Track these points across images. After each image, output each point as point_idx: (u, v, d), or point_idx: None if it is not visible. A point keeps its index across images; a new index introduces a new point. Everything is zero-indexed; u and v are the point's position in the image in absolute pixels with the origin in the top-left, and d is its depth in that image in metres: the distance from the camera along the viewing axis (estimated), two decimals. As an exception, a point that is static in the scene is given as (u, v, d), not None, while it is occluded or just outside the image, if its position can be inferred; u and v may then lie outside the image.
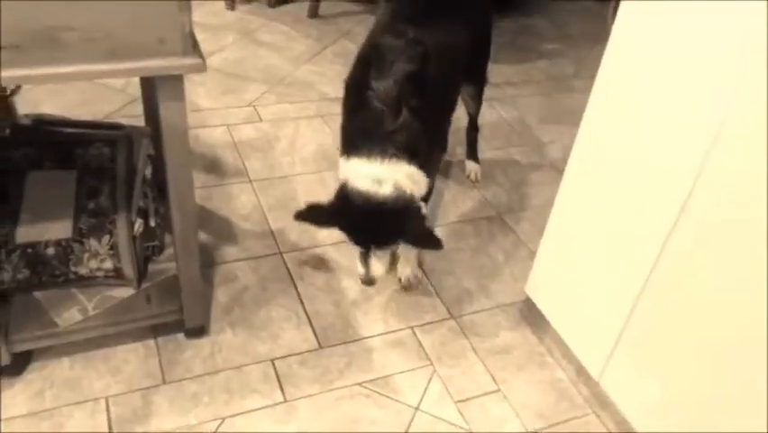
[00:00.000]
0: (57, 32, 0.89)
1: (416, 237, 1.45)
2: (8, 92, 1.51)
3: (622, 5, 1.13)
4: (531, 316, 1.59)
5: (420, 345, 1.53)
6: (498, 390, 1.45)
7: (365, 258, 1.45)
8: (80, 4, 0.89)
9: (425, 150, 1.40)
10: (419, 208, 1.42)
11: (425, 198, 1.48)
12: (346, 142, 1.42)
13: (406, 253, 1.66)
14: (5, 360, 1.27)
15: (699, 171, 1.03)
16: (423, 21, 1.54)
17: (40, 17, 0.88)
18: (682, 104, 1.05)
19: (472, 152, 2.09)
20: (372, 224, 1.39)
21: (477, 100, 1.96)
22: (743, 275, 1.00)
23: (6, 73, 0.90)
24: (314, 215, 1.43)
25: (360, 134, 1.38)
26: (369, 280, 1.48)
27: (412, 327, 1.57)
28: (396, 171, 1.35)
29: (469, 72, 1.83)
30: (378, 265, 1.45)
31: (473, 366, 1.50)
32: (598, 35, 3.10)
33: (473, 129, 2.05)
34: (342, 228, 1.44)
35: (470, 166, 2.09)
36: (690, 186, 1.05)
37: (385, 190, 1.34)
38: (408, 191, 1.37)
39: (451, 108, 1.62)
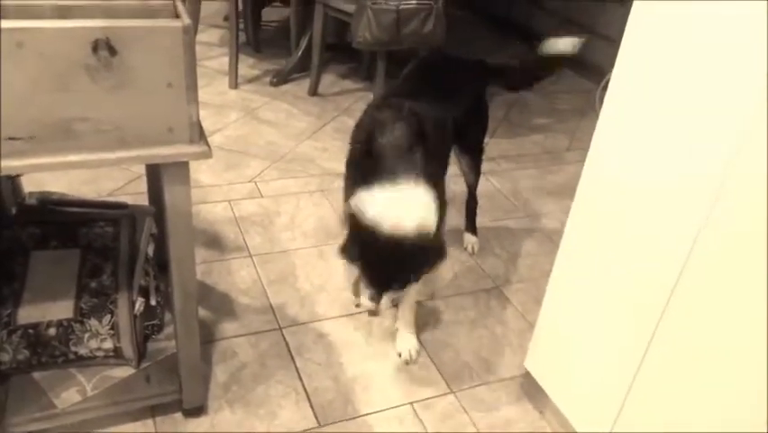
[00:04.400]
0: (71, 123, 0.93)
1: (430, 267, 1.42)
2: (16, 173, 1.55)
3: (611, 83, 1.18)
4: (532, 390, 1.58)
5: (420, 421, 1.51)
6: (501, 468, 1.43)
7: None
8: (95, 98, 0.93)
9: (436, 176, 1.46)
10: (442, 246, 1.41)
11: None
12: (357, 181, 1.43)
13: (404, 322, 1.67)
14: (1, 443, 1.25)
15: (695, 238, 1.05)
16: (417, 99, 1.62)
17: (57, 110, 0.92)
18: (674, 177, 1.08)
19: (471, 225, 2.12)
20: (392, 261, 1.34)
21: (475, 172, 2.00)
22: (744, 347, 1.01)
23: (21, 162, 0.94)
24: (348, 252, 1.40)
25: (373, 170, 1.40)
26: (376, 312, 1.53)
27: (412, 403, 1.56)
28: (417, 198, 1.36)
29: (466, 144, 1.90)
30: (387, 300, 1.41)
31: (475, 443, 1.48)
32: (585, 108, 3.23)
33: (472, 201, 2.09)
34: (362, 264, 1.40)
35: (469, 238, 2.12)
36: (686, 255, 1.07)
37: (409, 224, 1.31)
38: (429, 225, 1.35)
39: (444, 167, 1.68)
